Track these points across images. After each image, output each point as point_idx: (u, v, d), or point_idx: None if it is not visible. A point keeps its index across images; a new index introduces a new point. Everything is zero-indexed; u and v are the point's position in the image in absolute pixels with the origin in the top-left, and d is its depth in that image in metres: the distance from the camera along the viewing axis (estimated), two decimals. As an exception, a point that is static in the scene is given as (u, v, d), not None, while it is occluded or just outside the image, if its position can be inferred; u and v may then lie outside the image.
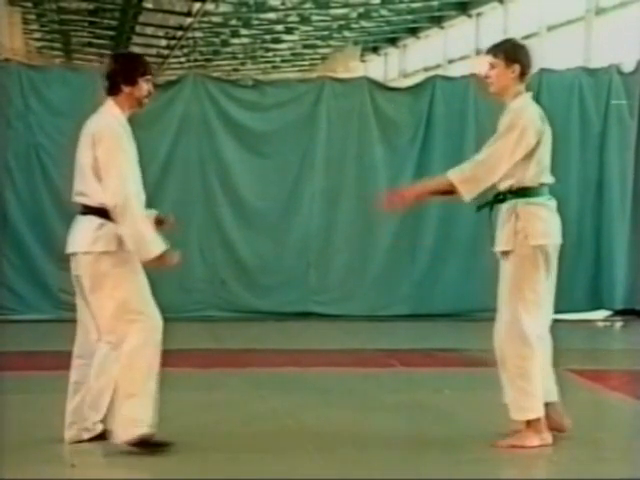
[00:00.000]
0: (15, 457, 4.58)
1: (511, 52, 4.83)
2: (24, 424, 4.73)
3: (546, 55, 14.85)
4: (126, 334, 4.52)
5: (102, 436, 4.67)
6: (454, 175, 4.71)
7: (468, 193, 4.72)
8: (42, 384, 6.37)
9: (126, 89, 4.66)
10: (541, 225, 4.75)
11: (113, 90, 4.67)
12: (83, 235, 4.60)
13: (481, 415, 5.44)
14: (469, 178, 4.69)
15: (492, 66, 4.83)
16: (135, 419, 4.51)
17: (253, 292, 9.87)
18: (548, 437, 4.75)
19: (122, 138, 4.58)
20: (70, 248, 4.67)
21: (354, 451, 4.76)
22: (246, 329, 9.34)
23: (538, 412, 4.72)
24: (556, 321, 4.99)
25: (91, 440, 4.68)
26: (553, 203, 4.87)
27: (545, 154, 4.81)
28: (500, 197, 4.82)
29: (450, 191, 4.75)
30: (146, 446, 4.52)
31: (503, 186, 4.81)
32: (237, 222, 9.82)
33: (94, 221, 4.58)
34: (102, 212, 4.56)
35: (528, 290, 4.71)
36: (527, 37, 17.42)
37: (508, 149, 4.68)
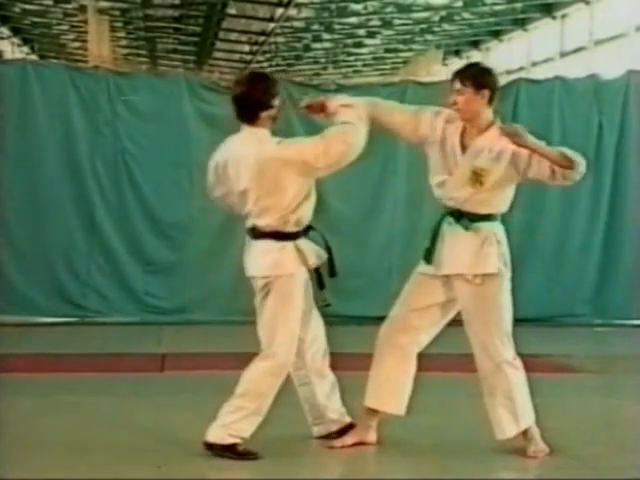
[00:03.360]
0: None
1: (479, 77, 4.71)
2: (114, 426, 4.82)
3: (635, 56, 14.55)
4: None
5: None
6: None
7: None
8: (130, 385, 6.48)
9: (263, 114, 4.68)
10: None
11: (250, 118, 4.68)
12: (261, 259, 4.73)
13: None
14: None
15: (459, 93, 4.73)
16: (235, 428, 4.57)
17: (336, 296, 9.84)
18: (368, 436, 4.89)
19: None
20: (249, 272, 4.79)
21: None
22: (328, 333, 9.29)
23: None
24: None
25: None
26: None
27: None
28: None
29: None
30: (232, 453, 4.58)
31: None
32: (320, 226, 9.81)
33: (272, 245, 4.73)
34: (278, 235, 4.73)
35: None
36: (614, 38, 17.15)
37: None
